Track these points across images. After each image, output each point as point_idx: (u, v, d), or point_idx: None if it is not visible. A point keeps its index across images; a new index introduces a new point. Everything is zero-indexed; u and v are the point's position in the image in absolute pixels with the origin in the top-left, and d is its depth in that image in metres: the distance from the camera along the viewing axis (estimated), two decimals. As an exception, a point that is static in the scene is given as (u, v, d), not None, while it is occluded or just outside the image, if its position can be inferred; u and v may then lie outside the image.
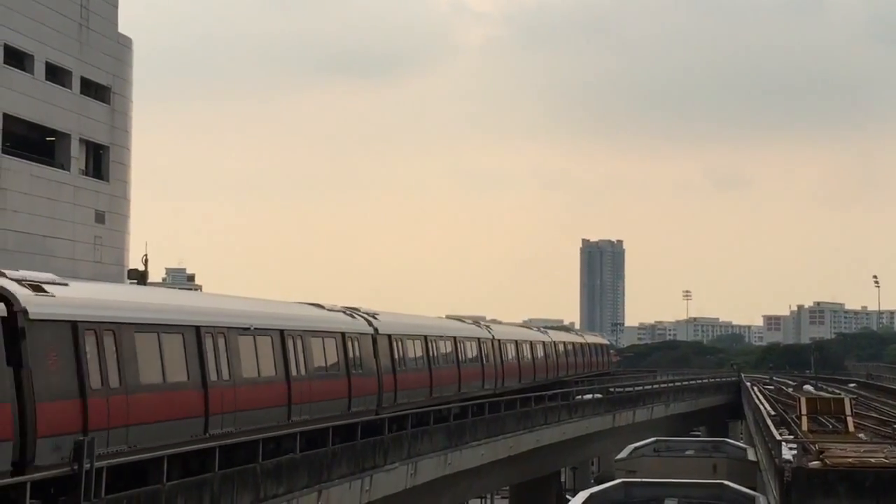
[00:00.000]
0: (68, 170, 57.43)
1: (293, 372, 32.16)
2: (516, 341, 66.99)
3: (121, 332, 23.27)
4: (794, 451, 30.38)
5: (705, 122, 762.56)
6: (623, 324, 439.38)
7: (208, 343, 27.08)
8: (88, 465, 19.32)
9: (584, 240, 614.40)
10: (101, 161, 60.78)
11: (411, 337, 45.43)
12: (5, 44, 52.46)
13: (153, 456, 22.37)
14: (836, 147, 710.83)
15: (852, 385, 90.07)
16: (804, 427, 40.83)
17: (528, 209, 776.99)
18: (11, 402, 19.43)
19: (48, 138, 56.97)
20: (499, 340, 61.52)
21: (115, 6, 62.42)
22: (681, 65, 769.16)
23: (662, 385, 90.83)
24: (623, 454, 53.55)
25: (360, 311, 41.56)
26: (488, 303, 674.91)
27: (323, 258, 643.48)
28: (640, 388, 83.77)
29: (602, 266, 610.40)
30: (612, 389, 77.93)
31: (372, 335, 40.25)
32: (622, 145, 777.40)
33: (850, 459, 29.01)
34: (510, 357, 64.17)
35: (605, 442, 69.64)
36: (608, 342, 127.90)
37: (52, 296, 21.46)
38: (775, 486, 29.27)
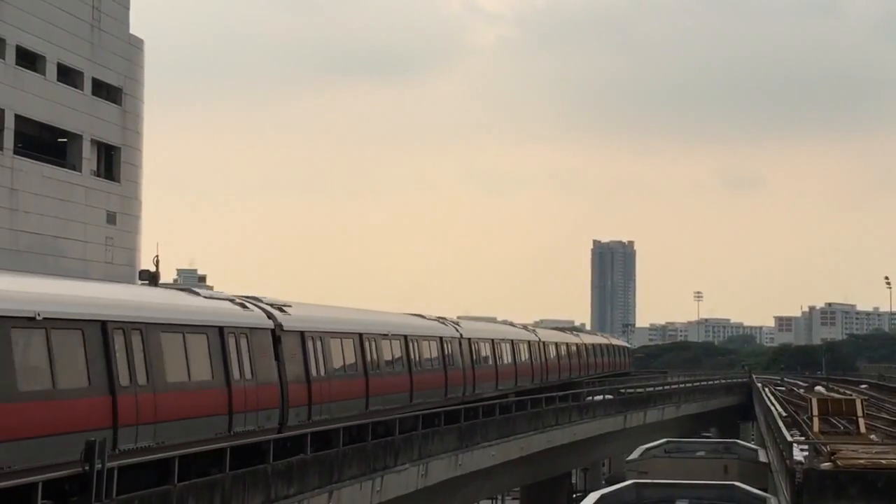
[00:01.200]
0: (79, 171, 57.50)
1: (413, 367, 42.08)
2: (556, 343, 76.04)
3: (324, 338, 33.61)
4: (806, 453, 30.32)
5: (717, 122, 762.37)
6: (634, 324, 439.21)
7: (366, 345, 36.96)
8: (100, 465, 19.43)
9: (595, 240, 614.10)
10: (112, 162, 60.83)
11: (484, 340, 54.99)
12: (17, 45, 52.53)
13: (168, 456, 22.57)
14: (848, 148, 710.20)
15: (864, 386, 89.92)
16: (815, 428, 40.77)
17: (539, 210, 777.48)
18: (277, 384, 29.89)
19: (59, 139, 57.04)
20: (544, 342, 70.56)
21: (127, 7, 62.50)
22: (693, 65, 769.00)
23: (673, 386, 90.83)
24: (634, 455, 53.59)
25: (447, 319, 51.21)
26: (500, 303, 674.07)
27: (335, 258, 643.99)
28: (652, 388, 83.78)
29: (613, 267, 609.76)
30: (623, 390, 77.93)
31: (458, 339, 49.58)
32: (634, 146, 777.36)
33: (861, 461, 28.95)
34: (552, 356, 72.94)
35: (616, 443, 69.64)
36: (628, 345, 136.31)
37: (289, 315, 31.71)
38: (787, 487, 29.24)
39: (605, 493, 35.62)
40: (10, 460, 18.68)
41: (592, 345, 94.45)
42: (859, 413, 41.71)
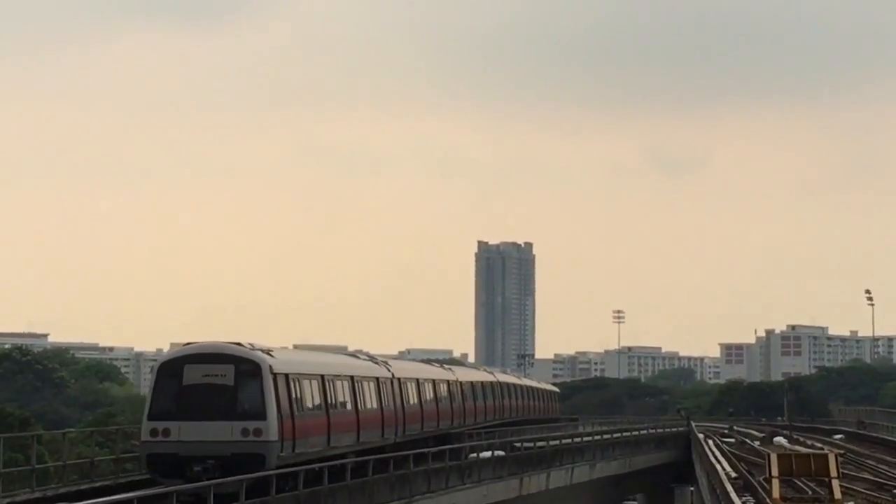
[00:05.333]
0: None
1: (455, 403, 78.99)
2: (519, 385, 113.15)
3: (410, 382, 66.77)
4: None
5: (645, 85, 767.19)
6: (533, 355, 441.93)
7: (425, 387, 70.98)
8: None
9: (480, 242, 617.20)
10: None
11: (478, 383, 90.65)
12: None
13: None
14: (819, 120, 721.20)
15: (839, 437, 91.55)
16: (775, 494, 41.41)
17: (407, 201, 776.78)
18: (393, 410, 62.44)
19: None
20: (505, 384, 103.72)
21: None
22: (611, 10, 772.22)
23: (586, 438, 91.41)
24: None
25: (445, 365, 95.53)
26: (355, 327, 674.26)
27: (107, 262, 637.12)
28: (556, 441, 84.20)
29: (505, 277, 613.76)
30: (518, 444, 78.26)
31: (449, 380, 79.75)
32: (534, 117, 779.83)
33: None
34: (512, 398, 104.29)
35: (509, 516, 69.98)
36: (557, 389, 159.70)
37: (393, 366, 65.44)
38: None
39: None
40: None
41: (536, 389, 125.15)
42: (833, 473, 42.43)
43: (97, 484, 47.28)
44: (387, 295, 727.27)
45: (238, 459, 42.59)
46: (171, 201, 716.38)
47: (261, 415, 44.03)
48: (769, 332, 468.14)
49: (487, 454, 69.31)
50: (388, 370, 63.33)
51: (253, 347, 45.98)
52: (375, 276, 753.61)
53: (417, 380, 69.38)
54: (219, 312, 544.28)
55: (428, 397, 71.13)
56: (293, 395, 46.60)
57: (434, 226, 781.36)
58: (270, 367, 44.87)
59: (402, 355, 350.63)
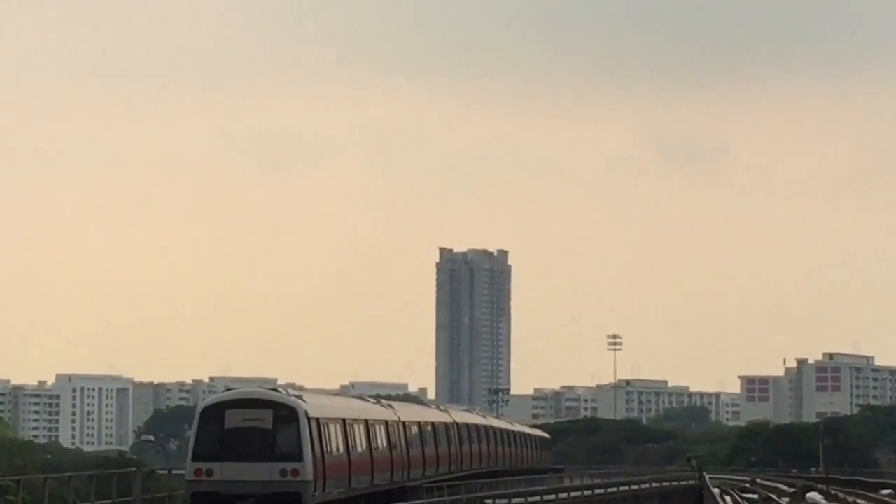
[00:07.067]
0: None
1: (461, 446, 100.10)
2: (510, 431, 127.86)
3: (412, 426, 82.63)
4: None
5: (646, 59, 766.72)
6: (508, 390, 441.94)
7: (426, 429, 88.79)
8: None
9: (443, 249, 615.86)
10: None
11: (472, 426, 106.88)
12: None
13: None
14: (858, 103, 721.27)
15: (887, 492, 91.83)
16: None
17: (352, 199, 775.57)
18: (400, 449, 79.62)
19: None
20: (497, 428, 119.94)
21: None
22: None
23: (574, 493, 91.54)
24: None
25: (449, 409, 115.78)
26: (286, 355, 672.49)
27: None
28: (537, 497, 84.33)
29: (473, 293, 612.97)
30: (488, 502, 78.42)
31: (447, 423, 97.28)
32: (508, 97, 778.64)
33: None
34: (505, 445, 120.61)
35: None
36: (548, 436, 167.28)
37: (397, 409, 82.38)
38: None
39: None
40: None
41: (534, 436, 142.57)
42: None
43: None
44: (326, 315, 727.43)
45: (277, 498, 55.99)
46: (59, 202, 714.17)
47: (298, 456, 57.05)
48: (801, 363, 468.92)
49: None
50: (395, 413, 77.87)
51: (288, 393, 60.32)
52: (313, 292, 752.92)
53: (419, 423, 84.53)
54: (119, 338, 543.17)
55: (429, 441, 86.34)
56: (324, 438, 59.84)
57: (386, 229, 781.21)
58: (306, 412, 58.12)
59: (345, 390, 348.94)
